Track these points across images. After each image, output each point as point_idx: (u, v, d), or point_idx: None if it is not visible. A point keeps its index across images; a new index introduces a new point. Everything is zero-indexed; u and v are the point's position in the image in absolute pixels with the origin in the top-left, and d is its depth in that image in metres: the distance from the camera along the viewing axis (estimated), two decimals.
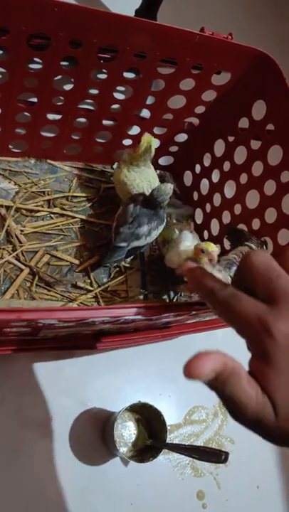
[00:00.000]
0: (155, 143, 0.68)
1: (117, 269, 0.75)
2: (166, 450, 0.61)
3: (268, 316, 0.25)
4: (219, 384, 0.26)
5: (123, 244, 0.67)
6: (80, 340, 0.57)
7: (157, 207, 0.67)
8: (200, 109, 0.74)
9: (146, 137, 0.66)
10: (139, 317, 0.43)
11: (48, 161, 0.78)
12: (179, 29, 0.58)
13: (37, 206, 0.73)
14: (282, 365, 0.25)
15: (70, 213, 0.75)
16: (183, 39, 0.59)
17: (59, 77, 0.62)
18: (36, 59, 0.59)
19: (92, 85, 0.65)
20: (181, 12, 1.07)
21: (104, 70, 0.64)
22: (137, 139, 0.75)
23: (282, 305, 0.25)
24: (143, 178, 0.71)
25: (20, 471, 0.60)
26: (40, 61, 0.59)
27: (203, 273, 0.29)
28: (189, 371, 0.26)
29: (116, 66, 0.62)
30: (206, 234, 0.80)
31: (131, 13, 0.93)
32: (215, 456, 0.55)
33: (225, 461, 0.54)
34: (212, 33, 0.61)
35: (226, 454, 0.55)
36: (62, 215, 0.75)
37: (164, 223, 0.70)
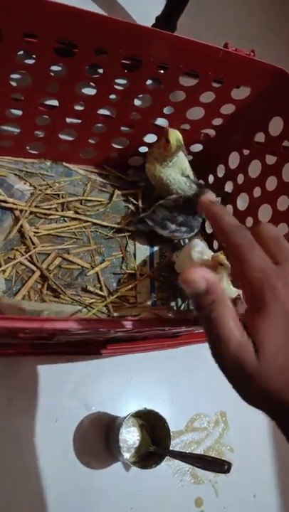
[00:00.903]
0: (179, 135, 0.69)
1: (126, 275, 0.75)
2: (169, 457, 0.62)
3: (274, 271, 0.27)
4: (206, 302, 0.26)
5: (150, 222, 0.73)
6: (90, 346, 0.58)
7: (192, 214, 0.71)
8: (217, 121, 0.75)
9: (174, 134, 0.67)
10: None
11: (64, 163, 0.78)
12: (204, 44, 0.58)
13: (51, 209, 0.74)
14: (275, 319, 0.26)
15: (83, 217, 0.75)
16: (207, 54, 0.60)
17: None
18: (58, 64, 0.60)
19: (114, 93, 0.65)
20: (200, 20, 1.08)
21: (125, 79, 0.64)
22: (151, 146, 0.76)
23: (287, 266, 0.28)
24: (177, 170, 0.73)
25: (23, 472, 0.61)
26: (64, 66, 0.60)
27: (223, 211, 0.30)
28: (184, 276, 0.26)
29: (139, 76, 0.63)
30: (215, 244, 0.81)
31: (152, 20, 0.94)
32: (218, 465, 0.56)
33: (228, 471, 0.55)
34: (235, 49, 0.61)
35: (229, 464, 0.56)
36: (75, 219, 0.75)
37: (193, 233, 0.72)
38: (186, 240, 0.77)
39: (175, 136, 0.67)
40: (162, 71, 0.63)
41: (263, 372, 0.26)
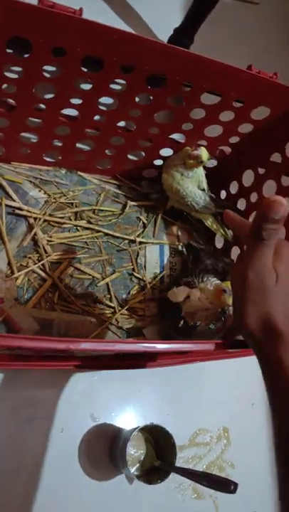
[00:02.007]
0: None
1: (136, 286, 0.76)
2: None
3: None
4: (272, 228, 0.36)
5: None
6: (101, 360, 0.59)
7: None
8: (234, 139, 0.75)
9: (205, 154, 0.71)
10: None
11: (79, 172, 0.78)
12: (228, 66, 0.59)
13: (64, 217, 0.74)
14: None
15: (96, 227, 0.76)
16: (231, 75, 0.60)
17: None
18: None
19: (136, 108, 0.66)
20: (217, 33, 1.08)
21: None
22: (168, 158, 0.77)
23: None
24: (194, 182, 0.75)
25: (27, 481, 0.61)
26: (90, 80, 0.60)
27: (243, 221, 0.42)
28: (277, 198, 0.35)
29: (163, 93, 0.63)
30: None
31: (170, 31, 0.95)
32: (224, 485, 0.56)
33: (234, 491, 0.56)
34: (259, 72, 0.62)
35: (235, 484, 0.56)
36: (87, 228, 0.75)
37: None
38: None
39: (206, 155, 0.71)
40: (186, 89, 0.63)
41: (275, 293, 0.37)
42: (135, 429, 0.61)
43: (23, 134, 0.68)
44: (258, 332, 0.38)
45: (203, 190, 0.76)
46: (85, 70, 0.58)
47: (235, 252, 0.80)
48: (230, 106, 0.67)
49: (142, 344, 0.40)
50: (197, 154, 0.70)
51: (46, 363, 0.55)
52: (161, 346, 0.41)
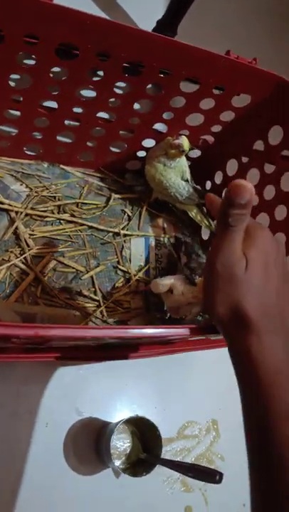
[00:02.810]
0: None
1: (120, 279, 0.75)
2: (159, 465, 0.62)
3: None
4: (238, 213, 0.34)
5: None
6: (82, 351, 0.58)
7: None
8: (216, 128, 0.74)
9: (186, 142, 0.70)
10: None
11: (61, 166, 0.78)
12: (206, 51, 0.58)
13: (47, 211, 0.73)
14: (260, 249, 0.37)
15: (79, 220, 0.75)
16: (209, 61, 0.60)
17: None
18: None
19: (114, 97, 0.65)
20: (200, 25, 1.08)
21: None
22: (150, 149, 0.76)
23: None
24: (178, 173, 0.74)
25: (13, 477, 0.60)
26: (65, 69, 0.59)
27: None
28: (240, 182, 0.34)
29: (140, 80, 0.62)
30: None
31: (153, 23, 0.94)
32: (209, 475, 0.56)
33: (219, 481, 0.55)
34: (237, 57, 0.61)
35: (221, 474, 0.56)
36: (71, 222, 0.75)
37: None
38: None
39: (188, 143, 0.70)
40: (163, 76, 0.62)
41: (245, 281, 0.36)
42: (120, 421, 0.60)
43: (1, 126, 0.67)
44: (227, 321, 0.37)
45: (187, 180, 0.76)
46: (60, 59, 0.57)
47: None
48: (210, 93, 0.66)
49: (115, 330, 0.40)
50: (178, 143, 0.69)
51: (26, 355, 0.55)
52: (134, 331, 0.40)
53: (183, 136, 0.69)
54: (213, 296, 0.37)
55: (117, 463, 0.61)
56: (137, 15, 0.99)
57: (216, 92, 0.66)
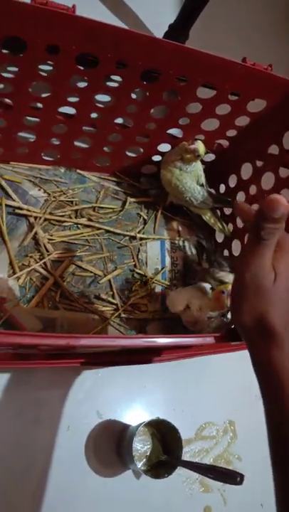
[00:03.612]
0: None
1: (138, 282, 0.76)
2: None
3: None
4: (271, 227, 0.35)
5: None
6: (106, 356, 0.59)
7: None
8: (231, 133, 0.75)
9: (202, 147, 0.71)
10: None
11: (78, 170, 0.79)
12: (223, 58, 0.59)
13: (64, 216, 0.74)
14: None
15: (96, 224, 0.76)
16: (226, 68, 0.60)
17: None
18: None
19: (132, 103, 0.66)
20: (211, 29, 1.08)
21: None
22: (166, 154, 0.77)
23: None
24: (193, 177, 0.75)
25: (36, 480, 0.61)
26: (85, 77, 0.60)
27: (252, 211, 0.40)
28: (276, 197, 0.33)
29: (158, 87, 0.63)
30: (226, 252, 0.81)
31: (165, 27, 0.95)
32: (230, 477, 0.57)
33: (240, 483, 0.56)
34: (253, 64, 0.62)
35: (241, 476, 0.56)
36: (88, 226, 0.76)
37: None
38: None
39: (203, 148, 0.71)
40: (180, 83, 0.63)
41: (272, 293, 0.36)
42: (141, 424, 0.61)
43: (20, 133, 0.68)
44: (252, 330, 0.37)
45: (202, 185, 0.76)
46: (80, 67, 0.58)
47: (235, 245, 0.80)
48: (226, 99, 0.67)
49: (143, 339, 0.41)
50: (194, 148, 0.70)
51: (51, 361, 0.56)
52: (161, 341, 0.41)
53: (198, 141, 0.70)
54: (239, 306, 0.38)
55: (139, 464, 0.62)
56: (148, 20, 1.00)
57: (231, 97, 0.67)
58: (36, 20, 0.50)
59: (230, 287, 0.60)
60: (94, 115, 0.68)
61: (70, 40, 0.53)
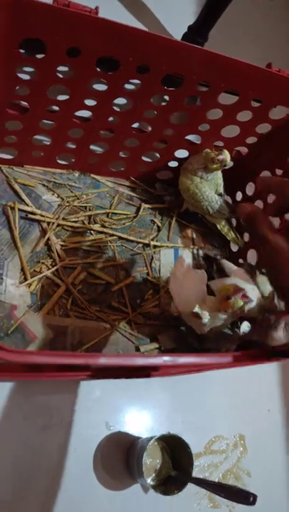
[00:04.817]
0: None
1: (150, 291, 0.74)
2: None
3: None
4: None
5: None
6: (116, 369, 0.57)
7: None
8: (251, 140, 0.73)
9: (229, 156, 0.68)
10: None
11: (92, 175, 0.77)
12: (248, 64, 0.57)
13: (78, 221, 0.72)
14: None
15: (109, 231, 0.74)
16: (250, 74, 0.59)
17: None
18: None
19: (151, 109, 0.64)
20: (228, 32, 1.06)
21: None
22: (183, 161, 0.75)
23: None
24: (212, 186, 0.73)
25: (43, 490, 0.60)
26: (104, 81, 0.58)
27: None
28: None
29: (179, 93, 0.61)
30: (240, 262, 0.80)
31: (184, 29, 0.93)
32: (243, 497, 0.55)
33: (253, 503, 0.54)
34: (278, 70, 0.60)
35: (254, 496, 0.55)
36: (101, 232, 0.74)
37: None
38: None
39: (230, 158, 0.69)
40: (203, 89, 0.61)
41: None
42: (152, 438, 0.60)
43: (36, 136, 0.67)
44: None
45: (220, 194, 0.74)
46: (99, 70, 0.56)
47: (251, 255, 0.78)
48: (248, 105, 0.65)
49: (162, 358, 0.39)
50: (223, 159, 0.67)
51: (60, 373, 0.54)
52: (182, 360, 0.39)
53: (225, 151, 0.67)
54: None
55: (148, 479, 0.61)
56: (166, 19, 0.98)
57: (254, 104, 0.65)
58: (58, 22, 0.48)
59: (230, 288, 0.58)
60: (111, 119, 0.66)
61: (91, 42, 0.52)
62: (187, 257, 0.70)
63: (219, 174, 0.73)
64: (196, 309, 0.60)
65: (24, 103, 0.61)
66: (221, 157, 0.67)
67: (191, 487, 0.66)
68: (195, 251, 0.80)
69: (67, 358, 0.35)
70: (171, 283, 0.65)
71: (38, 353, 0.33)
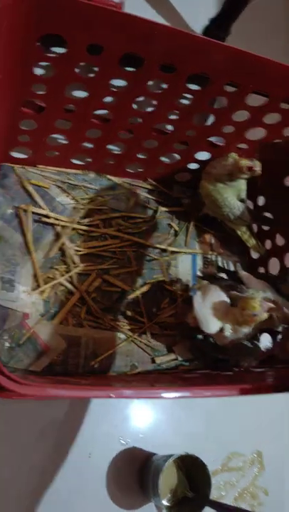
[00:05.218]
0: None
1: (167, 299, 0.71)
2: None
3: None
4: None
5: None
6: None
7: None
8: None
9: (259, 166, 0.64)
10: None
11: (108, 176, 0.73)
12: (279, 63, 0.53)
13: (92, 225, 0.69)
14: None
15: (125, 235, 0.71)
16: (281, 73, 0.55)
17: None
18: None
19: (174, 110, 0.60)
20: (253, 26, 1.01)
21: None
22: (204, 164, 0.71)
23: None
24: (235, 192, 0.69)
25: (55, 507, 0.57)
26: (126, 80, 0.55)
27: None
28: None
29: (205, 94, 0.57)
30: (261, 270, 0.76)
31: (204, 22, 0.88)
32: None
33: None
34: None
35: None
36: (117, 237, 0.71)
37: None
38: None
39: (260, 166, 0.64)
40: (230, 90, 0.57)
41: None
42: (168, 457, 0.57)
43: (51, 135, 0.63)
44: None
45: (242, 200, 0.70)
46: (123, 68, 0.52)
47: (273, 263, 0.74)
48: (276, 107, 0.61)
49: (188, 391, 0.36)
50: (255, 170, 0.63)
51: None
52: (207, 393, 0.37)
53: (257, 162, 0.63)
54: None
55: (164, 500, 0.58)
56: (186, 11, 0.93)
57: (283, 105, 0.61)
58: (80, 17, 0.44)
59: (257, 305, 0.55)
60: (132, 119, 0.62)
61: (115, 39, 0.48)
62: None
63: (243, 180, 0.69)
64: (219, 324, 0.58)
65: (40, 102, 0.57)
66: (254, 169, 0.63)
67: (207, 510, 0.63)
68: (214, 257, 0.77)
69: (88, 392, 0.32)
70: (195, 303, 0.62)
71: (55, 386, 0.30)
